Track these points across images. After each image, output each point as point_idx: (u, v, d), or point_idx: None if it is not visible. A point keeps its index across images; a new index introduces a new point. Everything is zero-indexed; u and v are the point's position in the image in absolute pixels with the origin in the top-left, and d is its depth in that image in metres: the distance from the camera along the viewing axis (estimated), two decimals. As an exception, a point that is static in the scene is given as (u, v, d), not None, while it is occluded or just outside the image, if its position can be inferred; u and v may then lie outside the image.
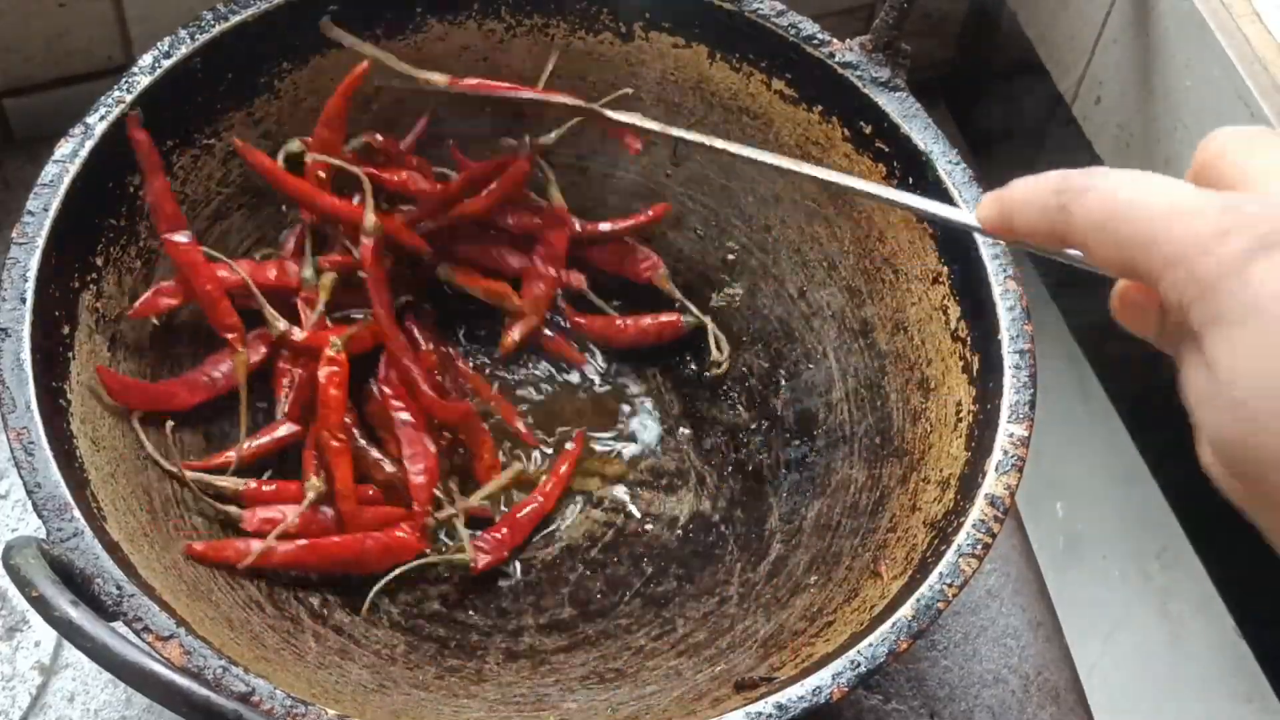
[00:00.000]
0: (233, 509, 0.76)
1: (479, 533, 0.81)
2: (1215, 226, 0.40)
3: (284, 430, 0.80)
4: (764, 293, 0.89)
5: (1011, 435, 0.70)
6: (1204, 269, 0.40)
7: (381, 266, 0.81)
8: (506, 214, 0.87)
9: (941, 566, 0.67)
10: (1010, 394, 0.71)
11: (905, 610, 0.65)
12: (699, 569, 0.83)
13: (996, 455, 0.70)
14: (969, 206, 0.76)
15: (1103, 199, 0.43)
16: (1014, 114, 1.25)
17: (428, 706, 0.71)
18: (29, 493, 0.63)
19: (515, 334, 0.87)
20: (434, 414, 0.81)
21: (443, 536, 0.82)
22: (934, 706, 0.83)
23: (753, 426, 0.88)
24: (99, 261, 0.74)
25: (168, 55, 0.76)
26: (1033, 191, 0.46)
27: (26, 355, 0.66)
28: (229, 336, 0.79)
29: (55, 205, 0.71)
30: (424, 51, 0.85)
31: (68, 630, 0.55)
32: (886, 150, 0.81)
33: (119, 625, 0.59)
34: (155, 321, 0.78)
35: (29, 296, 0.68)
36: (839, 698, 0.63)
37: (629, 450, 0.88)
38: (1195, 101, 0.87)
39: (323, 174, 0.82)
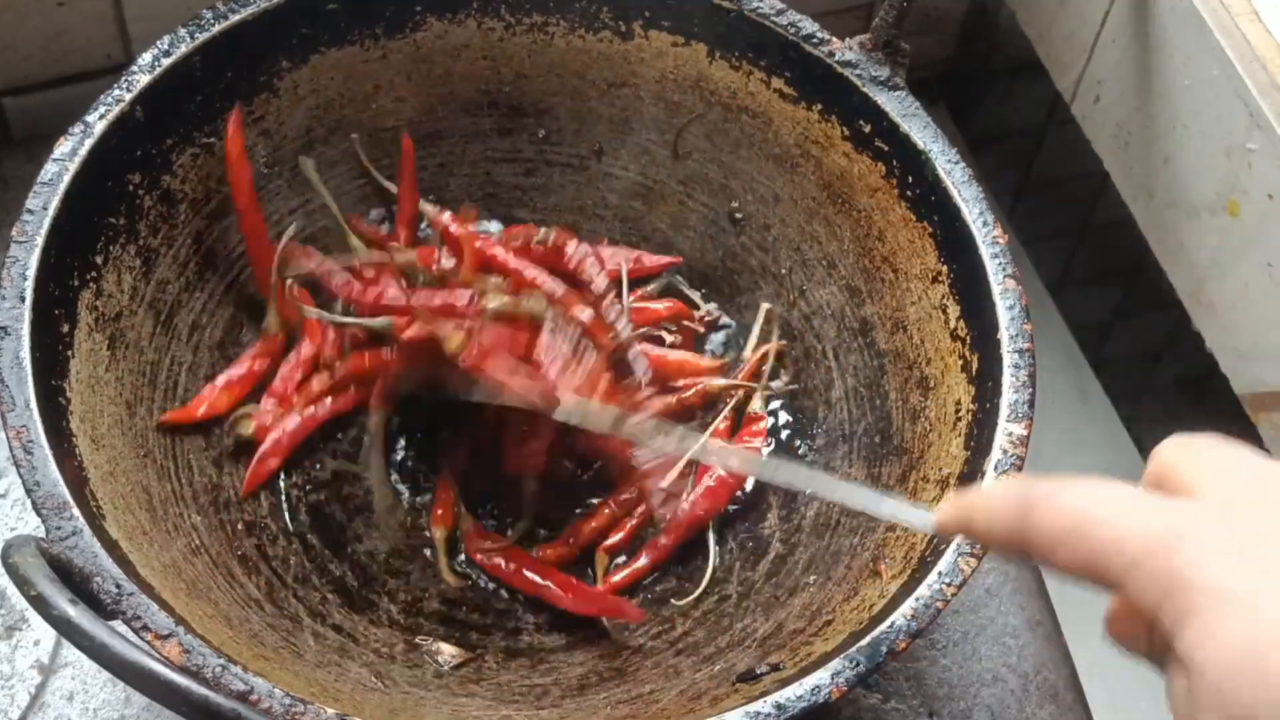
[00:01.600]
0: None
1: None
2: (1173, 524, 0.42)
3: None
4: (764, 292, 0.89)
5: (1010, 434, 0.70)
6: (1166, 564, 0.41)
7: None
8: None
9: (940, 566, 0.67)
10: (1009, 393, 0.71)
11: (904, 609, 0.65)
12: (698, 568, 0.83)
13: (995, 454, 0.70)
14: (969, 206, 0.76)
15: (1062, 509, 0.44)
16: (1013, 113, 1.25)
17: (427, 705, 0.71)
18: (28, 491, 0.63)
19: None
20: None
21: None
22: (933, 705, 0.83)
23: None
24: (98, 260, 0.74)
25: (167, 54, 0.76)
26: (995, 499, 0.47)
27: (26, 354, 0.66)
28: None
29: (55, 204, 0.71)
30: (423, 50, 0.85)
31: (66, 629, 0.55)
32: (886, 149, 0.81)
33: (118, 624, 0.59)
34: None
35: (28, 295, 0.68)
36: (838, 697, 0.63)
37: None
38: (1194, 101, 0.87)
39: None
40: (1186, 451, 0.46)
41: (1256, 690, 0.38)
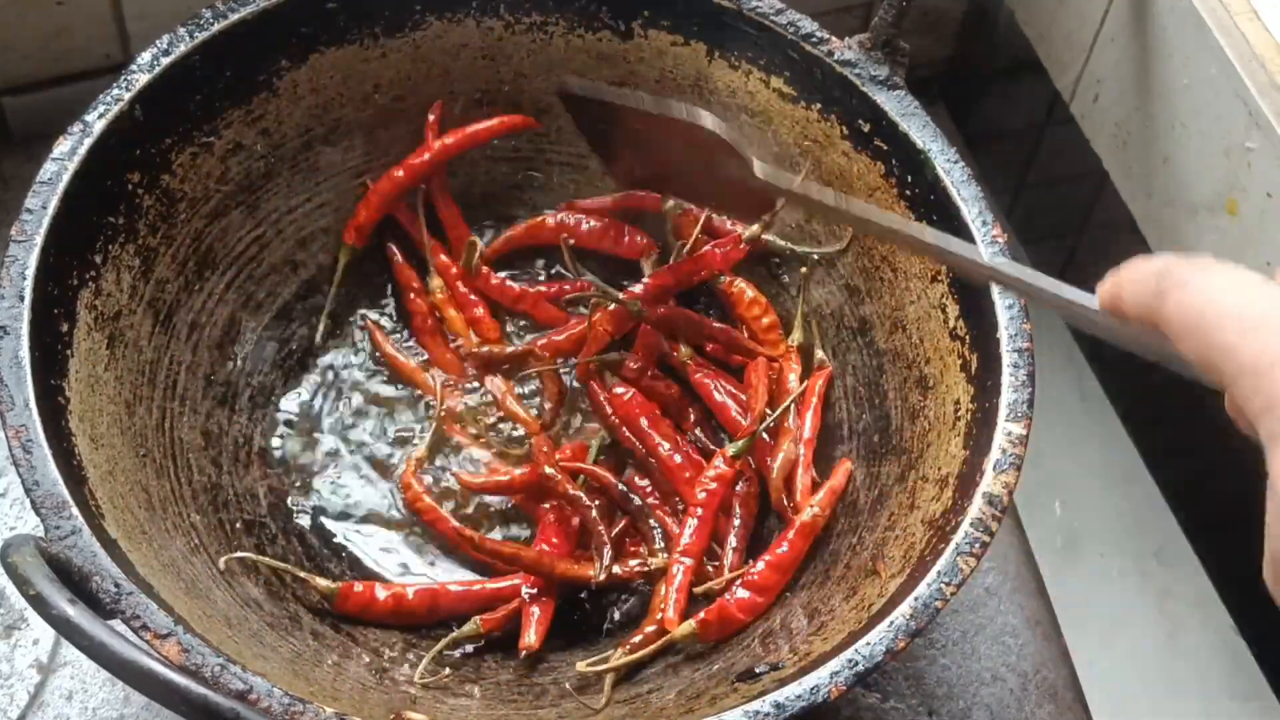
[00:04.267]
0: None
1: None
2: None
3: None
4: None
5: (1010, 434, 0.70)
6: (1269, 385, 0.41)
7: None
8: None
9: (940, 565, 0.67)
10: (1008, 392, 0.71)
11: (903, 609, 0.65)
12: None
13: (995, 454, 0.70)
14: (968, 206, 0.77)
15: (1195, 297, 0.44)
16: (1012, 112, 1.25)
17: (425, 704, 0.71)
18: (27, 491, 0.63)
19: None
20: None
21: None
22: (932, 705, 0.83)
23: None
24: (98, 259, 0.74)
25: (166, 53, 0.76)
26: (1141, 272, 0.47)
27: (25, 353, 0.66)
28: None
29: (54, 203, 0.71)
30: (422, 49, 0.85)
31: (65, 628, 0.55)
32: (885, 148, 0.81)
33: (117, 623, 0.59)
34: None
35: (28, 294, 0.68)
36: (837, 696, 0.63)
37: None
38: (1193, 100, 0.87)
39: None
40: None
41: None
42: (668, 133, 0.76)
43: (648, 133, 0.77)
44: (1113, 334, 0.52)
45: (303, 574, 0.76)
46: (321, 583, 0.76)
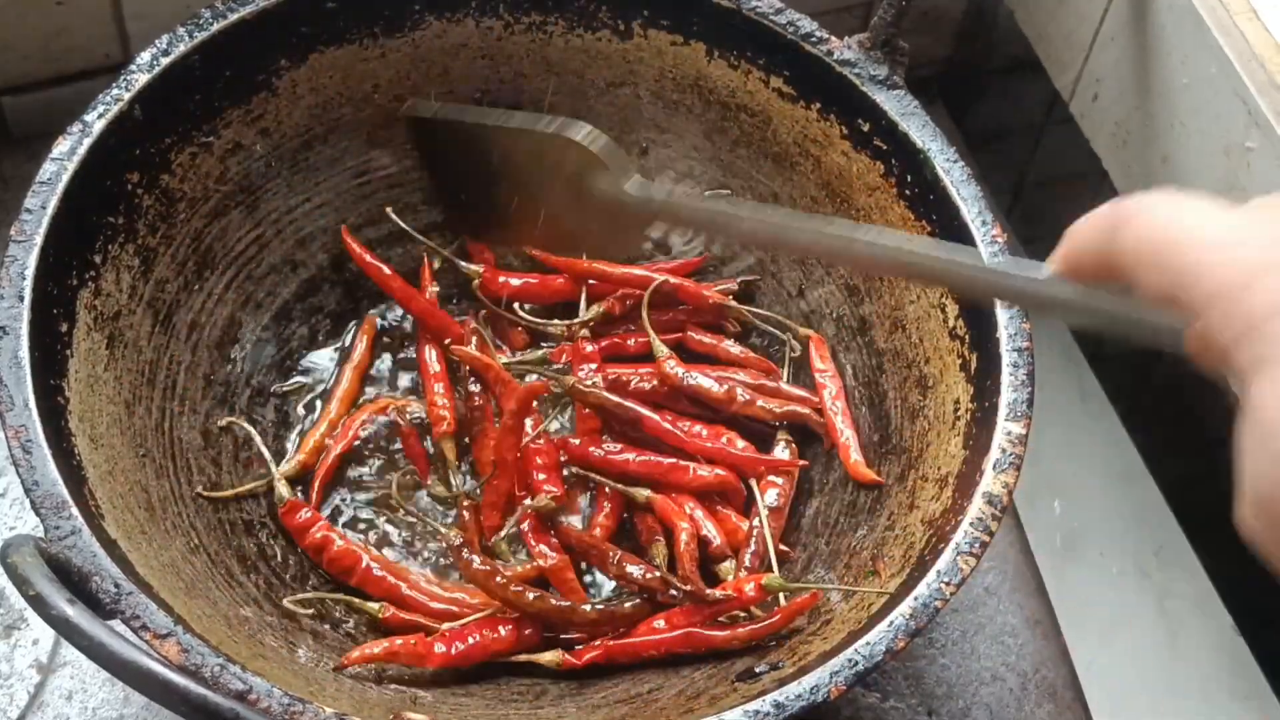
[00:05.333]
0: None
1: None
2: (1259, 260, 0.37)
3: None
4: (763, 291, 0.89)
5: (1009, 433, 0.70)
6: (1246, 307, 0.37)
7: None
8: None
9: (939, 565, 0.67)
10: (1008, 392, 0.71)
11: (903, 608, 0.65)
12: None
13: (994, 453, 0.70)
14: (968, 205, 0.77)
15: (1149, 223, 0.41)
16: (1011, 111, 1.25)
17: (425, 704, 0.71)
18: (27, 491, 0.63)
19: None
20: None
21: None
22: (932, 704, 0.83)
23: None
24: (97, 259, 0.74)
25: (166, 53, 0.76)
26: (1091, 217, 0.44)
27: (25, 353, 0.66)
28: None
29: (53, 203, 0.71)
30: (421, 49, 0.85)
31: (65, 629, 0.55)
32: (884, 148, 0.81)
33: (116, 623, 0.59)
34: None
35: (27, 294, 0.68)
36: (837, 696, 0.63)
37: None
38: (1192, 99, 0.87)
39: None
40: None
41: None
42: (527, 157, 0.69)
43: (505, 161, 0.71)
44: (1069, 306, 0.48)
45: (354, 600, 0.77)
46: (370, 606, 0.76)
